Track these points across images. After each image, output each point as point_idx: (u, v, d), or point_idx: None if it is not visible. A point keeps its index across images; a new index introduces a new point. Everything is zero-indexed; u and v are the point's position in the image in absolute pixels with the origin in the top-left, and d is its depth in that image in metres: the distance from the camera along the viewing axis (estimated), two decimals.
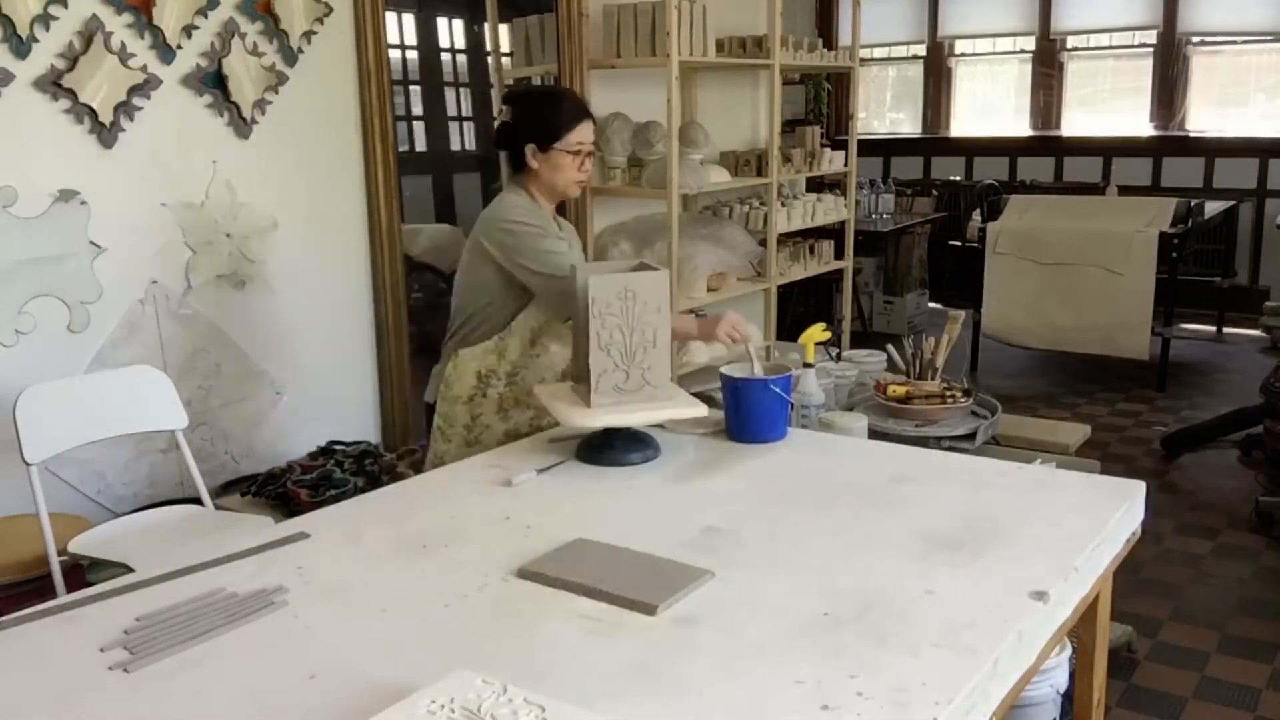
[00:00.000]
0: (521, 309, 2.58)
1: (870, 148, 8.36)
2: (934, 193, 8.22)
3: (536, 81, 4.74)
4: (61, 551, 2.47)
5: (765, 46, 4.72)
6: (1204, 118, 7.65)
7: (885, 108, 9.12)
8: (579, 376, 2.31)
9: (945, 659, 1.39)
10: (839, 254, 5.45)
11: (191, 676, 1.41)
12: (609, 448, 2.23)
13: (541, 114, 2.61)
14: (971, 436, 2.87)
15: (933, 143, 8.68)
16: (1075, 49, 8.11)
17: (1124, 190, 7.09)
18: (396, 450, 3.65)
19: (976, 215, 6.55)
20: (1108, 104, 8.08)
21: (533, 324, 2.59)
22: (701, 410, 2.28)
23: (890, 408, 2.91)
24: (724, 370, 2.40)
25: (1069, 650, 2.31)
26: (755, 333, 2.46)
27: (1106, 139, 7.89)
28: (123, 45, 2.99)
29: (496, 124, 2.64)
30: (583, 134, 2.61)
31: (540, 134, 2.58)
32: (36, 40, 2.83)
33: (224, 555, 1.78)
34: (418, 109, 4.88)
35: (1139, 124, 7.82)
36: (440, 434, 2.61)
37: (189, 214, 3.21)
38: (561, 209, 2.88)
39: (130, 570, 2.03)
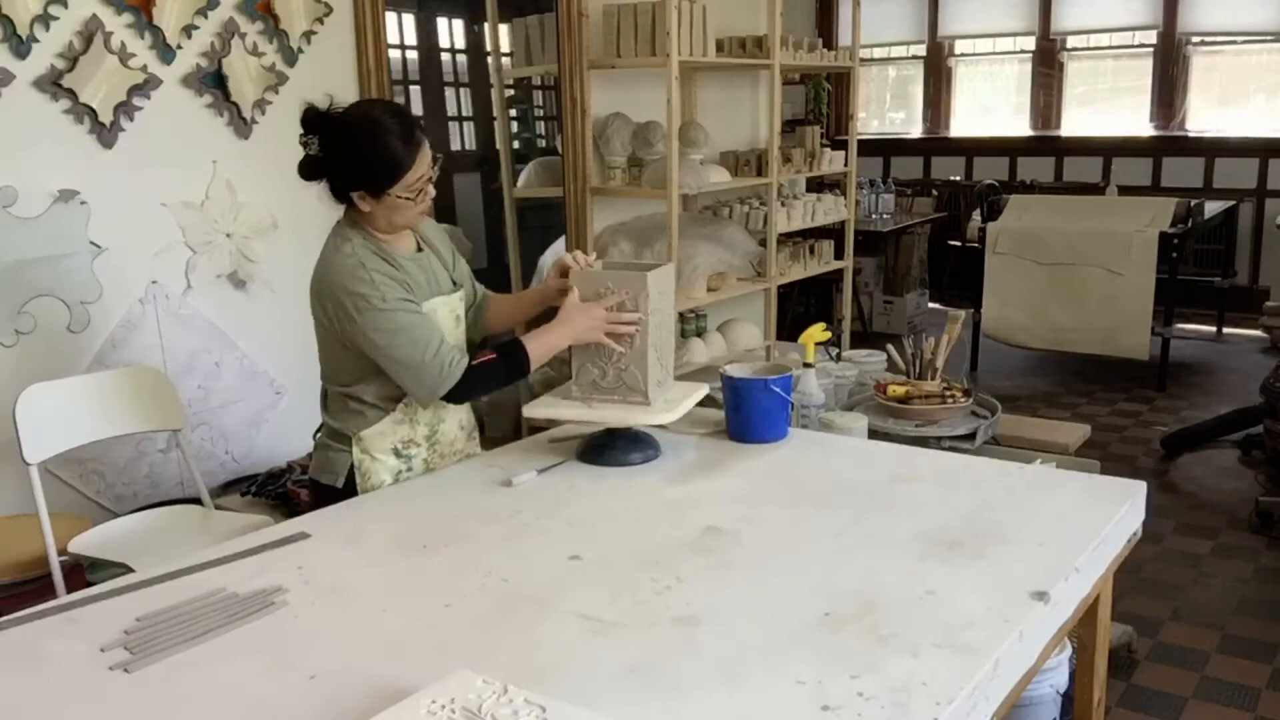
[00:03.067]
0: None
1: (870, 148, 8.37)
2: (934, 193, 8.23)
3: (537, 81, 4.74)
4: (61, 551, 2.47)
5: (765, 46, 4.72)
6: (1204, 118, 7.65)
7: (885, 108, 9.12)
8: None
9: (945, 659, 1.39)
10: (839, 254, 5.44)
11: (191, 676, 1.41)
12: (609, 448, 2.24)
13: (363, 157, 2.08)
14: (971, 436, 2.87)
15: (933, 143, 8.68)
16: (1075, 49, 8.11)
17: (1124, 190, 7.09)
18: None
19: (976, 215, 6.54)
20: (1108, 104, 8.07)
21: None
22: (670, 416, 2.21)
23: (890, 408, 2.91)
24: (724, 370, 2.40)
25: (1069, 650, 2.32)
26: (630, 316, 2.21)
27: (1106, 139, 7.89)
28: (123, 45, 2.99)
29: (303, 155, 2.14)
30: (420, 167, 2.10)
31: (368, 179, 2.08)
32: (36, 40, 2.82)
33: (224, 555, 1.78)
34: (418, 109, 4.87)
35: (1139, 124, 7.82)
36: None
37: (189, 214, 3.21)
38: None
39: (130, 570, 2.03)
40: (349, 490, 2.19)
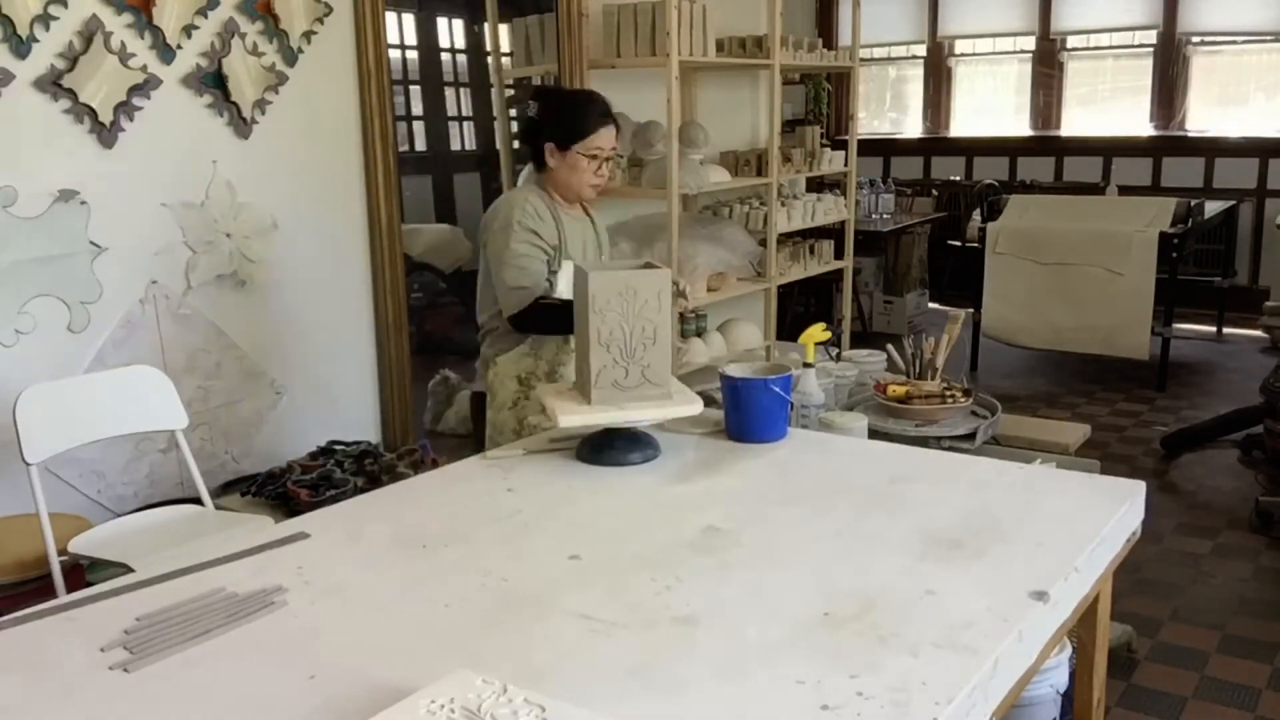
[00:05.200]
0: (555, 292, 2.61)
1: (870, 148, 8.36)
2: (934, 193, 8.23)
3: (536, 81, 4.75)
4: (61, 551, 2.47)
5: (765, 46, 4.72)
6: (1204, 118, 7.65)
7: (885, 108, 9.12)
8: (579, 374, 2.31)
9: (945, 659, 1.39)
10: (839, 254, 5.45)
11: (191, 676, 1.41)
12: (609, 448, 2.23)
13: (565, 114, 2.67)
14: (971, 436, 2.87)
15: (933, 143, 8.68)
16: (1075, 49, 8.11)
17: (1124, 190, 7.09)
18: (396, 450, 3.65)
19: (976, 215, 6.54)
20: (1108, 104, 8.08)
21: None
22: (697, 406, 2.26)
23: (890, 408, 2.91)
24: (724, 370, 2.39)
25: (1069, 650, 2.31)
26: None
27: (1106, 139, 7.89)
28: (123, 45, 2.99)
29: (523, 118, 2.81)
30: (603, 139, 2.65)
31: (560, 133, 2.63)
32: (36, 40, 2.83)
33: (224, 555, 1.77)
34: (418, 109, 4.88)
35: (1139, 124, 7.82)
36: (491, 442, 2.63)
37: (189, 214, 3.21)
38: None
39: (130, 570, 2.03)
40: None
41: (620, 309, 2.22)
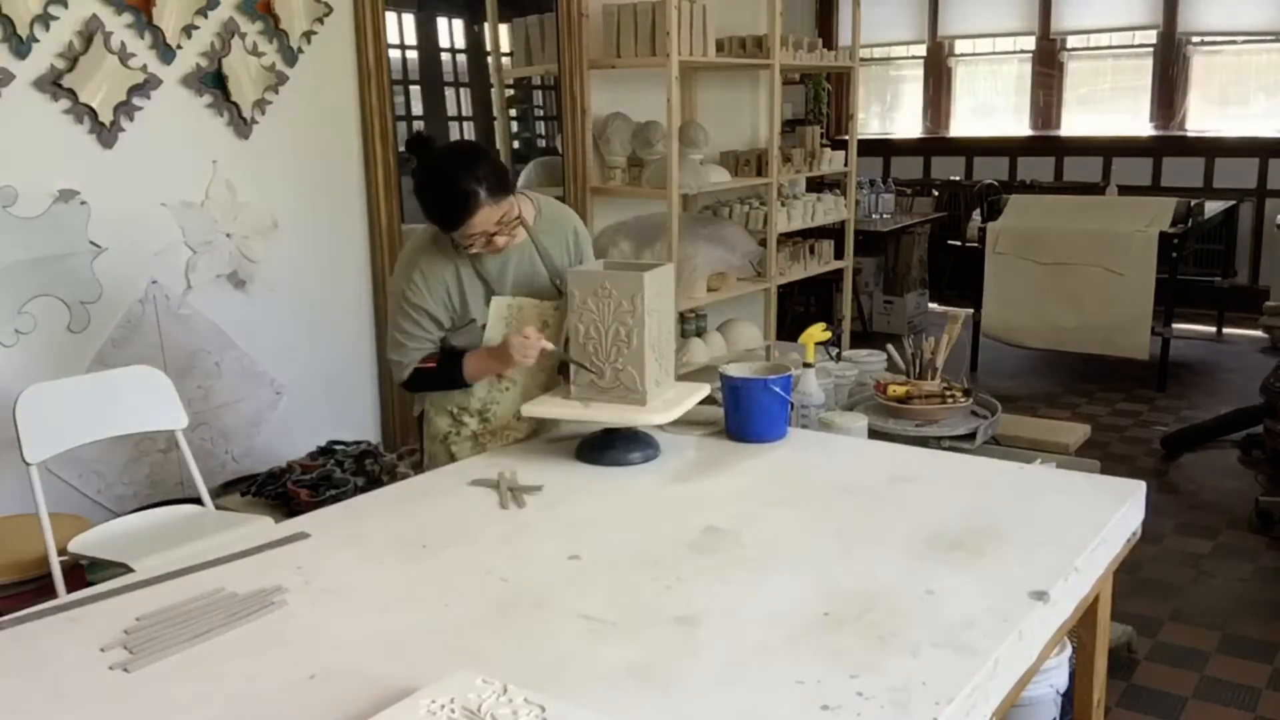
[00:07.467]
0: (470, 346, 2.40)
1: (870, 148, 8.36)
2: (934, 193, 8.22)
3: (537, 81, 4.74)
4: (61, 551, 2.47)
5: (765, 46, 4.72)
6: (1204, 118, 7.65)
7: (885, 108, 9.12)
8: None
9: (945, 659, 1.39)
10: (839, 254, 5.45)
11: (191, 676, 1.41)
12: (609, 448, 2.23)
13: (430, 207, 2.26)
14: (971, 436, 2.87)
15: (933, 143, 8.68)
16: (1075, 49, 8.11)
17: (1124, 190, 7.09)
18: (396, 450, 3.65)
19: (976, 215, 6.54)
20: (1107, 104, 8.07)
21: None
22: (667, 416, 2.22)
23: (890, 408, 2.91)
24: (724, 370, 2.40)
25: (1069, 650, 2.31)
26: (541, 344, 2.28)
27: (1106, 139, 7.89)
28: (123, 45, 2.99)
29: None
30: (479, 224, 2.21)
31: (433, 220, 2.29)
32: (36, 40, 2.83)
33: (224, 555, 1.78)
34: (418, 109, 4.87)
35: (1139, 124, 7.82)
36: (430, 467, 2.55)
37: (189, 214, 3.21)
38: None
39: (130, 570, 2.03)
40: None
41: (596, 309, 2.23)
